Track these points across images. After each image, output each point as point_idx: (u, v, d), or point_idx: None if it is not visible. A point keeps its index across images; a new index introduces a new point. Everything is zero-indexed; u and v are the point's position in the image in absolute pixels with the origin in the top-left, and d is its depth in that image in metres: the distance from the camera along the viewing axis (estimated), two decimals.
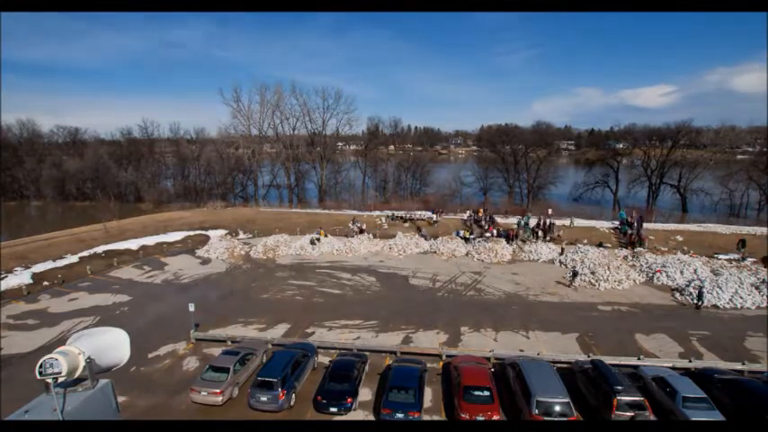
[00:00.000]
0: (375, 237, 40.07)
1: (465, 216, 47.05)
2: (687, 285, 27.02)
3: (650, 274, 29.63)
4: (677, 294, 26.77)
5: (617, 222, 43.26)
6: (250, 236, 42.81)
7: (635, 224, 39.66)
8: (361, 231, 41.45)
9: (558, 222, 41.86)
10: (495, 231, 39.70)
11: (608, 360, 17.40)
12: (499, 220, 46.55)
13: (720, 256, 33.11)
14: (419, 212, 50.41)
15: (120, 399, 11.71)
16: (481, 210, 48.60)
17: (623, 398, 14.11)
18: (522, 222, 42.06)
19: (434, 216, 47.07)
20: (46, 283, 29.43)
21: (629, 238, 37.80)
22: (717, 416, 13.98)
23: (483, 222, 44.13)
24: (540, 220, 42.03)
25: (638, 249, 34.88)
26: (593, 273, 29.22)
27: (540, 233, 39.43)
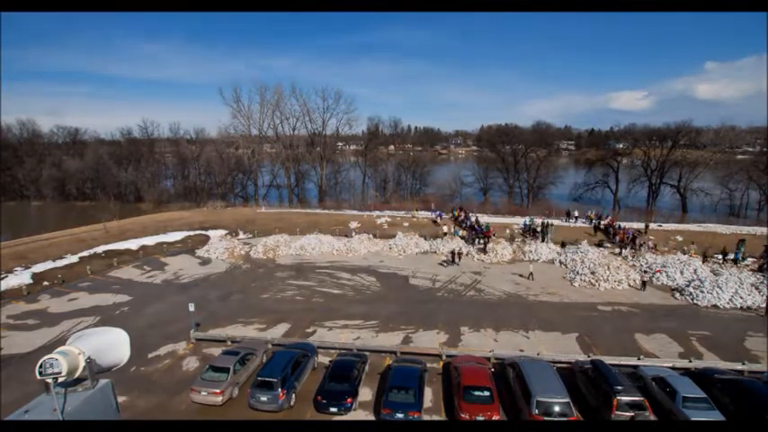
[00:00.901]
0: (375, 237, 40.06)
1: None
2: (687, 285, 27.05)
3: (650, 274, 29.61)
4: (677, 294, 26.79)
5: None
6: (250, 236, 42.81)
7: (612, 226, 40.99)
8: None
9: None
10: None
11: (608, 360, 17.40)
12: (500, 220, 46.60)
13: (720, 256, 33.04)
14: (420, 213, 50.48)
15: (120, 399, 11.72)
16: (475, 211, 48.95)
17: (623, 398, 14.11)
18: (526, 222, 42.41)
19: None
20: (46, 283, 29.44)
21: (626, 239, 37.87)
22: (717, 416, 13.98)
23: (469, 223, 43.93)
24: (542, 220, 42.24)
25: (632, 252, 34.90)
26: (593, 273, 29.22)
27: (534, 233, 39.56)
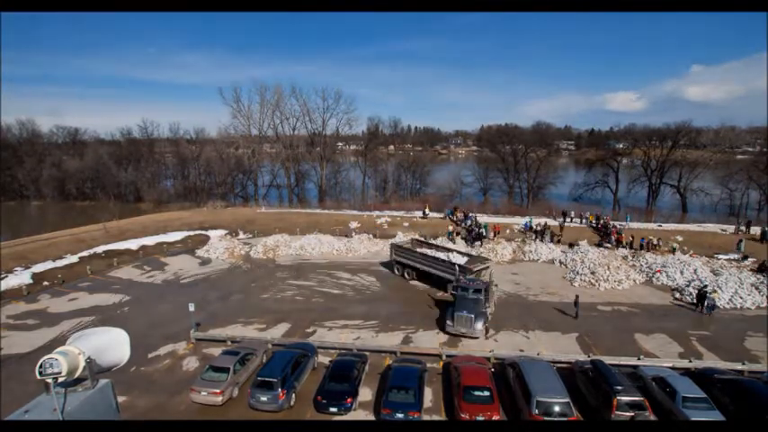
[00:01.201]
0: (375, 237, 40.06)
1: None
2: (687, 285, 27.04)
3: (650, 275, 29.63)
4: (677, 294, 26.79)
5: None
6: (250, 236, 42.81)
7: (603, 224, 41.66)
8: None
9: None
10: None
11: (608, 360, 17.40)
12: (500, 220, 46.57)
13: (720, 256, 33.10)
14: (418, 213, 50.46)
15: (120, 399, 11.69)
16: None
17: (623, 398, 14.11)
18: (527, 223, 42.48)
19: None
20: (46, 283, 29.44)
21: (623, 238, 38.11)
22: (717, 416, 13.98)
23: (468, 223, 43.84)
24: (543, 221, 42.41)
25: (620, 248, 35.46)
26: (593, 273, 29.22)
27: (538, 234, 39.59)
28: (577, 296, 24.25)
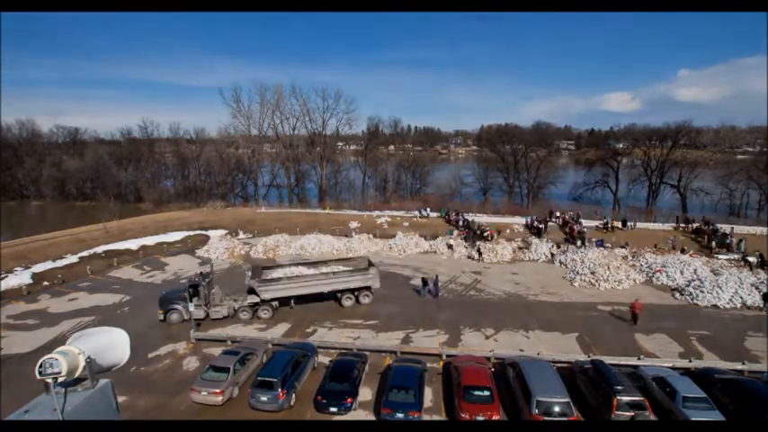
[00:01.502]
0: (375, 237, 40.05)
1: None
2: (687, 285, 27.04)
3: (650, 274, 29.63)
4: (677, 294, 26.79)
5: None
6: (250, 236, 42.82)
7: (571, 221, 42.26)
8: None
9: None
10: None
11: (608, 360, 17.39)
12: (500, 220, 46.53)
13: (720, 257, 33.09)
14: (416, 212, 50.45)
15: (120, 399, 11.72)
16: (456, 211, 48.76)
17: (623, 398, 14.11)
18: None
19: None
20: (46, 283, 29.45)
21: (571, 233, 38.54)
22: (717, 416, 13.98)
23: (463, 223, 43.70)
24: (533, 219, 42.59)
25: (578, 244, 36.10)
26: (593, 273, 29.22)
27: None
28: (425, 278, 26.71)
